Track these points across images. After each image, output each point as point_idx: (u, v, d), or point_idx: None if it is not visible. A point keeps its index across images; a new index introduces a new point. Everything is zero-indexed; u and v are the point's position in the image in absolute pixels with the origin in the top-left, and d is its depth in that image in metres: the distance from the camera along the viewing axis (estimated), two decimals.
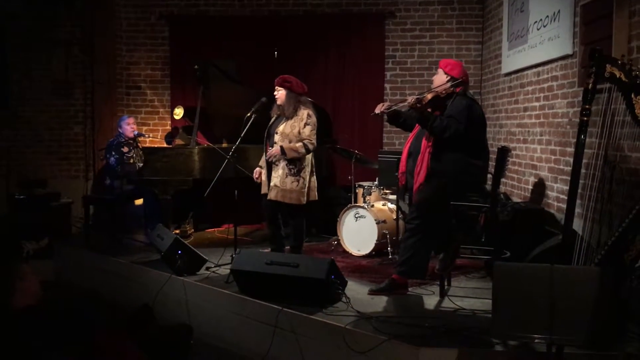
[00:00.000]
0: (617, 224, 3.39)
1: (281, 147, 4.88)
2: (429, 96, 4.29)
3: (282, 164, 4.97)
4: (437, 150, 4.23)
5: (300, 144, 4.95)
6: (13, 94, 7.68)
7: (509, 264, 3.33)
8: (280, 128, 4.99)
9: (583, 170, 3.80)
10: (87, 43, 7.62)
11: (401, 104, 4.56)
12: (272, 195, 4.97)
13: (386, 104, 4.52)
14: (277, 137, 4.96)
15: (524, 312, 2.82)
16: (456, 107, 4.21)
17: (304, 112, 5.02)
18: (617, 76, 3.17)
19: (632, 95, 3.14)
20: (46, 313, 2.37)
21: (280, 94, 5.02)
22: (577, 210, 3.93)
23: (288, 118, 5.00)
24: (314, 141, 5.04)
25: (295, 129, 4.98)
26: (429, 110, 4.28)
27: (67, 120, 7.78)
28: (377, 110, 4.45)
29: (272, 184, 4.96)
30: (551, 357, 2.93)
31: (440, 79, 4.39)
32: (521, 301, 2.83)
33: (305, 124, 5.00)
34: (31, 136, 7.73)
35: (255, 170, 5.20)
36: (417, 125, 4.45)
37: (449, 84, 4.33)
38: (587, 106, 3.26)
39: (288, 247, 5.24)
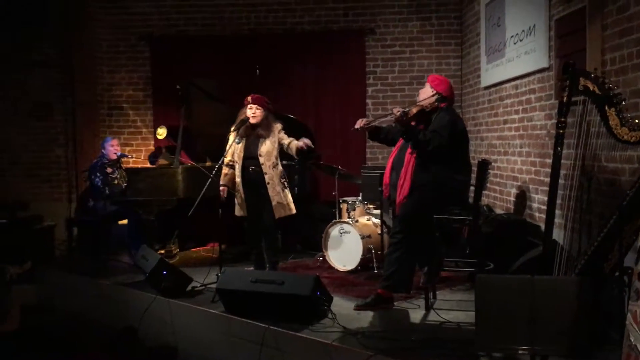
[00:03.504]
0: (596, 233, 3.44)
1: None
2: (415, 110, 4.35)
3: (276, 180, 5.00)
4: (421, 163, 4.28)
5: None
6: None
7: (490, 276, 3.37)
8: (263, 149, 4.99)
9: (562, 181, 3.87)
10: (66, 64, 7.59)
11: (381, 119, 4.61)
12: (280, 214, 5.01)
13: (365, 119, 4.57)
14: (262, 159, 4.98)
15: (507, 323, 2.86)
16: (440, 121, 4.27)
17: (275, 127, 5.11)
18: (591, 89, 3.24)
19: (606, 107, 3.20)
20: (27, 338, 2.36)
21: (258, 113, 5.03)
22: (558, 220, 3.99)
23: (265, 137, 5.02)
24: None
25: (275, 144, 5.05)
26: (413, 123, 4.33)
27: (47, 143, 7.70)
28: (357, 126, 4.49)
29: (274, 203, 4.98)
30: None
31: (426, 93, 4.45)
32: (504, 313, 2.87)
33: (280, 131, 5.10)
34: (11, 159, 7.66)
35: (221, 189, 5.13)
36: (400, 138, 4.50)
37: (434, 99, 4.39)
38: (562, 119, 3.32)
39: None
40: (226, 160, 5.12)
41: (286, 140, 5.07)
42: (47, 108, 7.62)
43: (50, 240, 6.95)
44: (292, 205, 5.12)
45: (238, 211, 5.13)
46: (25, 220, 6.93)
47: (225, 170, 5.14)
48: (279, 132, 5.11)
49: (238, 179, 5.08)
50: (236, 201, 5.14)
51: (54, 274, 6.08)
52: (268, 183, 4.97)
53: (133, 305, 4.98)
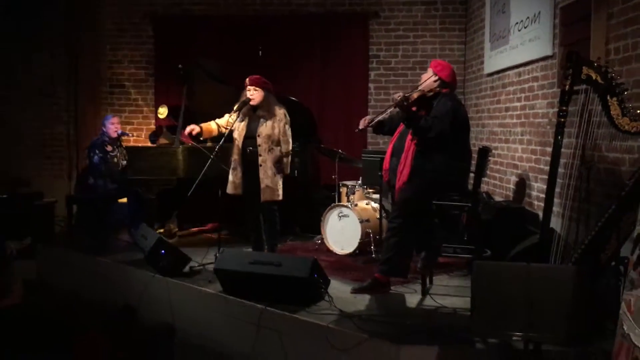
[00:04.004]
0: (594, 223, 3.45)
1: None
2: (415, 95, 4.33)
3: (269, 164, 4.98)
4: (421, 149, 4.28)
5: (286, 159, 5.07)
6: None
7: (487, 262, 3.38)
8: (262, 130, 4.97)
9: (562, 170, 3.88)
10: (70, 42, 7.58)
11: (383, 114, 4.59)
12: (266, 197, 4.99)
13: (368, 117, 4.56)
14: (260, 140, 4.96)
15: (503, 310, 2.88)
16: (441, 108, 4.25)
17: (280, 112, 5.06)
18: (594, 78, 3.23)
19: (608, 97, 3.19)
20: (26, 314, 2.38)
21: (257, 94, 5.00)
22: (556, 209, 4.00)
23: (265, 119, 5.00)
24: (290, 142, 5.14)
25: (276, 129, 5.00)
26: (414, 109, 4.32)
27: (50, 120, 7.73)
28: (360, 126, 4.49)
29: (263, 185, 4.97)
30: (529, 354, 2.98)
31: (429, 78, 4.43)
32: (500, 299, 2.88)
33: (285, 124, 5.06)
34: (14, 135, 7.67)
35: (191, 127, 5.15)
36: (401, 124, 4.49)
37: (436, 84, 4.38)
38: (564, 107, 3.32)
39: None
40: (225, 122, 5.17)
41: (286, 137, 5.06)
42: (51, 85, 7.62)
43: (50, 217, 6.97)
44: (280, 192, 5.05)
45: (230, 189, 5.11)
46: (26, 196, 6.95)
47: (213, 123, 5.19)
48: (283, 118, 5.05)
49: (236, 157, 5.09)
50: (230, 178, 5.13)
51: (54, 250, 6.12)
52: (260, 165, 4.96)
53: (131, 284, 5.02)
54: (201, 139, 5.26)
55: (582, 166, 3.65)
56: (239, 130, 5.06)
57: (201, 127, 5.16)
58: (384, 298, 4.24)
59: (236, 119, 5.06)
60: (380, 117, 4.55)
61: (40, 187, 7.29)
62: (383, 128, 4.66)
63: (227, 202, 5.20)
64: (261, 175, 4.97)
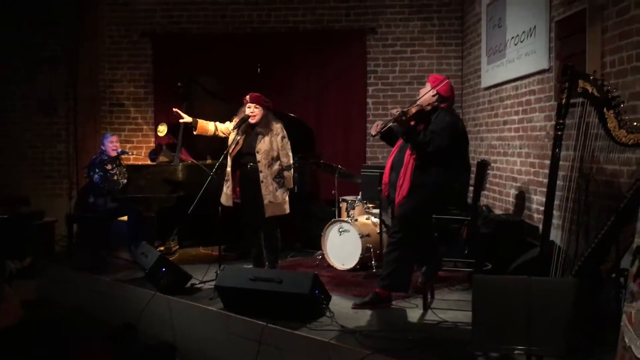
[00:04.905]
0: (594, 235, 3.45)
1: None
2: (414, 110, 4.35)
3: (270, 179, 5.00)
4: (420, 164, 4.29)
5: (288, 173, 5.10)
6: None
7: (487, 276, 3.38)
8: (260, 147, 4.99)
9: (560, 183, 3.89)
10: (70, 61, 7.63)
11: (393, 123, 4.59)
12: (270, 213, 4.99)
13: (380, 122, 4.54)
14: (259, 156, 4.98)
15: (504, 323, 2.87)
16: (440, 123, 4.28)
17: (277, 126, 5.09)
18: (590, 91, 3.25)
19: (605, 110, 3.21)
20: (25, 333, 2.38)
21: (257, 112, 5.04)
22: (556, 221, 4.01)
23: (263, 135, 5.03)
24: (291, 155, 5.17)
25: (274, 144, 5.04)
26: (412, 123, 4.34)
27: (50, 138, 7.77)
28: (373, 132, 4.47)
29: (266, 201, 4.98)
30: None
31: (426, 92, 4.45)
32: (500, 313, 2.88)
33: (283, 137, 5.09)
34: (14, 154, 7.70)
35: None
36: (400, 138, 4.51)
37: (434, 99, 4.40)
38: (561, 121, 3.34)
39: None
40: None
41: (284, 150, 5.09)
42: (52, 104, 7.66)
43: (50, 235, 6.98)
44: (286, 206, 5.08)
45: (224, 200, 5.12)
46: (26, 215, 6.96)
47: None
48: (280, 132, 5.08)
49: (229, 169, 5.11)
50: (224, 189, 5.14)
51: (54, 269, 6.11)
52: (262, 181, 4.98)
53: (132, 302, 5.00)
54: (195, 133, 5.27)
55: (580, 178, 3.66)
56: (235, 145, 5.07)
57: (197, 122, 5.19)
58: (385, 313, 4.24)
59: (235, 136, 5.08)
60: (391, 124, 4.53)
61: (40, 206, 7.31)
62: (391, 135, 4.63)
63: (227, 220, 5.21)
64: (263, 191, 4.98)
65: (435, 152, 4.18)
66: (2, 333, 2.31)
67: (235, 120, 5.09)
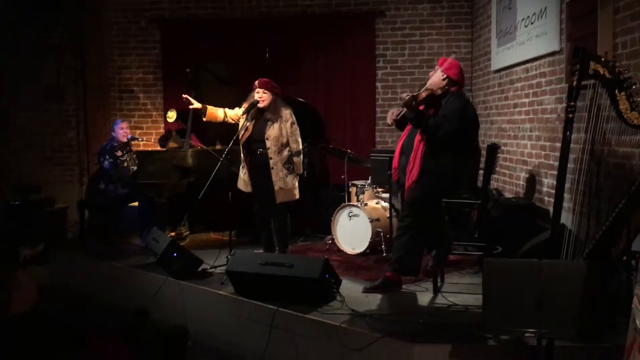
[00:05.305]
0: (605, 217, 3.44)
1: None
2: (424, 94, 4.31)
3: (280, 165, 5.01)
4: (430, 148, 4.27)
5: (297, 159, 5.12)
6: (5, 100, 7.69)
7: (498, 259, 3.38)
8: (270, 133, 5.00)
9: (571, 165, 3.87)
10: (77, 48, 7.64)
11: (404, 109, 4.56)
12: (281, 199, 5.03)
13: (396, 110, 4.50)
14: (269, 143, 4.99)
15: (514, 306, 2.87)
16: (450, 107, 4.25)
17: (286, 113, 5.10)
18: (601, 73, 3.22)
19: (616, 91, 3.18)
20: (39, 319, 2.40)
21: (265, 97, 5.03)
22: (567, 204, 3.99)
23: (272, 121, 5.03)
24: (300, 141, 5.18)
25: (283, 130, 5.04)
26: (422, 107, 4.32)
27: (60, 126, 7.80)
28: (389, 121, 4.48)
29: (276, 187, 5.00)
30: (542, 350, 2.98)
31: (437, 76, 4.40)
32: (511, 296, 2.88)
33: (292, 124, 5.09)
34: (24, 142, 7.74)
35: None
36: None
37: (444, 83, 4.36)
38: (572, 103, 3.31)
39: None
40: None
41: (294, 136, 5.09)
42: (60, 92, 7.69)
43: (62, 222, 7.03)
44: (296, 191, 5.13)
45: (241, 184, 5.18)
46: (38, 202, 7.01)
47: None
48: (289, 118, 5.08)
49: (242, 155, 5.14)
50: (240, 175, 5.18)
51: (66, 256, 6.16)
52: (272, 168, 5.00)
53: (144, 287, 5.05)
54: (204, 119, 5.28)
55: (591, 161, 3.64)
56: (245, 131, 5.08)
57: (206, 108, 5.20)
58: (395, 297, 4.25)
59: (244, 121, 5.09)
60: (403, 111, 4.50)
61: (51, 193, 7.36)
62: (403, 121, 4.58)
63: (237, 205, 5.23)
64: (273, 177, 5.00)
65: (446, 137, 4.16)
66: (16, 319, 2.33)
67: (245, 105, 5.10)
